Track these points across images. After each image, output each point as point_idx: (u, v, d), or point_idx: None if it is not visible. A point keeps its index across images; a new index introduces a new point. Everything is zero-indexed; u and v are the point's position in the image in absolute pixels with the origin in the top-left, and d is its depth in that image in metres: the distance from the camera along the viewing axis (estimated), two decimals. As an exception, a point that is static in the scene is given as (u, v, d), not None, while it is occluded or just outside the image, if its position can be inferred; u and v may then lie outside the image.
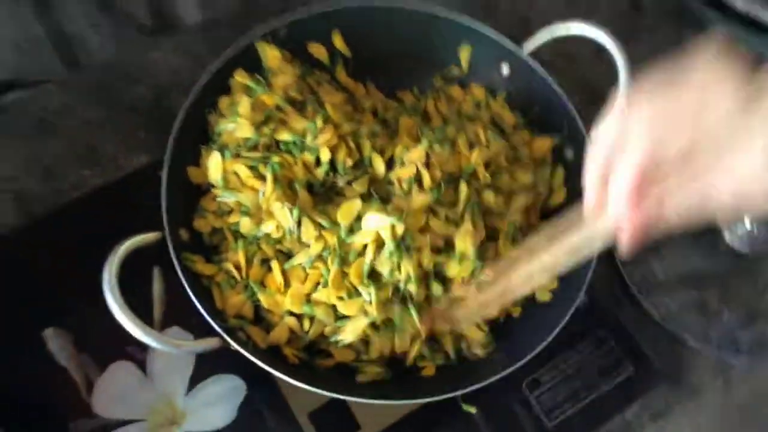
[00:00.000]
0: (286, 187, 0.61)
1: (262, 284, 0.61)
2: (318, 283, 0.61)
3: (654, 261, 0.78)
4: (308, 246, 0.61)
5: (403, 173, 0.63)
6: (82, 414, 0.64)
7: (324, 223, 0.60)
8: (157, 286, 0.68)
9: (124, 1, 1.02)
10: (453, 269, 0.61)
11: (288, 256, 0.62)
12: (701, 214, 0.44)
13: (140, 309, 0.64)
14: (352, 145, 0.64)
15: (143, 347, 0.66)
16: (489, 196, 0.64)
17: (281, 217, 0.60)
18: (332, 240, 0.60)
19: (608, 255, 0.77)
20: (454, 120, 0.68)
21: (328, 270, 0.60)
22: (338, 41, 0.71)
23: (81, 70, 0.85)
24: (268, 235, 0.61)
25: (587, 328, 0.71)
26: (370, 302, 0.59)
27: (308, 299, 0.61)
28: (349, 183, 0.64)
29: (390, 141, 0.66)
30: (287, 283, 0.61)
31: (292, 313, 0.61)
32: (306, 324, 0.62)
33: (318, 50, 0.71)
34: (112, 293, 0.53)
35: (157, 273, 0.68)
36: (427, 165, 0.63)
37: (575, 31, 0.66)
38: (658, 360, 0.72)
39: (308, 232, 0.60)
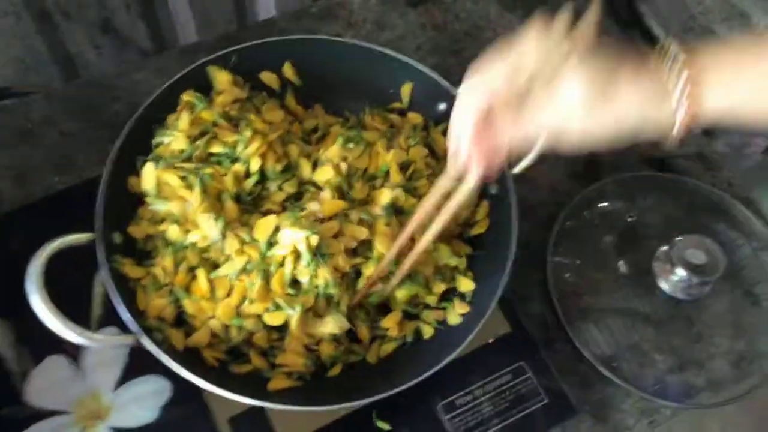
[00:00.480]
0: (215, 199, 0.65)
1: (187, 290, 0.65)
2: (245, 297, 0.64)
3: (590, 299, 0.80)
4: (233, 259, 0.64)
5: (319, 175, 0.66)
6: (14, 401, 0.68)
7: (246, 237, 0.64)
8: (98, 287, 0.72)
9: (125, 25, 1.08)
10: (370, 269, 0.65)
11: (214, 265, 0.65)
12: (531, 144, 0.55)
13: (80, 308, 0.69)
14: (279, 150, 0.68)
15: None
16: (400, 196, 0.67)
17: (207, 228, 0.64)
18: (254, 255, 0.63)
19: (543, 290, 0.80)
20: (385, 132, 0.73)
21: (253, 283, 0.63)
22: (288, 70, 0.75)
23: (68, 86, 0.90)
24: (194, 244, 0.65)
25: (510, 359, 0.73)
26: (294, 314, 0.63)
27: (237, 312, 0.65)
28: (280, 188, 0.68)
29: (318, 147, 0.70)
30: (212, 291, 0.65)
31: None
32: (233, 331, 0.65)
33: (269, 78, 0.75)
34: (34, 285, 0.57)
35: (100, 274, 0.72)
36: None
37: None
38: (579, 396, 0.74)
39: (232, 245, 0.64)
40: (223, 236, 0.64)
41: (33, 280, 0.57)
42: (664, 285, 0.79)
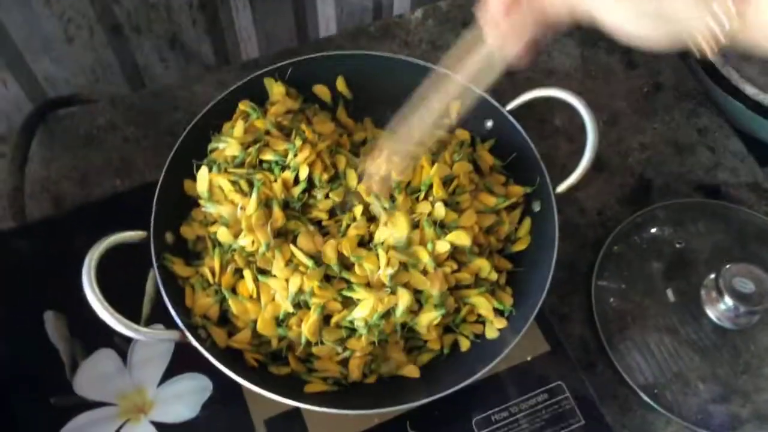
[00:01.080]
0: (264, 205, 0.67)
1: (233, 291, 0.67)
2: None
3: (634, 325, 0.79)
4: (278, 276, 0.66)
5: (363, 187, 0.69)
6: (63, 391, 0.71)
7: (305, 260, 0.65)
8: (149, 286, 0.75)
9: (192, 40, 1.13)
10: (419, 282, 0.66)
11: (260, 269, 0.67)
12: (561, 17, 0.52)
13: (132, 304, 0.72)
14: (328, 160, 0.70)
15: (128, 339, 0.73)
16: (440, 210, 0.68)
17: (261, 236, 0.65)
18: (310, 283, 0.65)
19: (586, 312, 0.79)
20: (430, 147, 0.73)
21: (309, 318, 0.65)
22: (341, 84, 0.78)
23: (131, 94, 0.95)
24: (242, 248, 0.67)
25: (548, 378, 0.73)
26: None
27: (279, 322, 0.66)
28: (326, 196, 0.70)
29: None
30: (258, 293, 0.66)
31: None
32: (274, 341, 0.67)
33: (321, 91, 0.78)
34: (88, 278, 0.60)
35: (152, 274, 0.75)
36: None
37: (552, 94, 0.70)
38: (617, 420, 0.73)
39: (279, 265, 0.65)
40: (272, 250, 0.65)
41: (87, 272, 0.60)
42: (711, 313, 0.78)
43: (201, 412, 0.70)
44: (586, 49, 0.98)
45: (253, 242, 0.66)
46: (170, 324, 0.68)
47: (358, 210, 0.69)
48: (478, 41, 0.60)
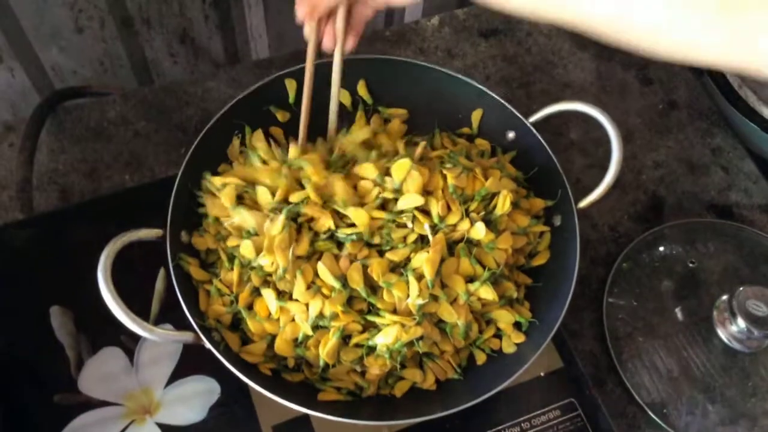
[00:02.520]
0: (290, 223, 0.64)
1: (250, 307, 0.65)
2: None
3: (644, 343, 0.79)
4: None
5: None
6: (68, 389, 0.70)
7: (332, 282, 0.63)
8: (159, 285, 0.73)
9: (202, 36, 1.12)
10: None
11: (279, 292, 0.65)
12: None
13: (141, 303, 0.71)
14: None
15: (135, 338, 0.72)
16: (480, 230, 0.66)
17: (281, 259, 0.63)
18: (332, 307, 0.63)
19: (597, 328, 0.79)
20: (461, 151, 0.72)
21: (328, 340, 0.63)
22: (362, 89, 0.77)
23: (143, 88, 0.93)
24: (261, 267, 0.64)
25: (561, 394, 0.72)
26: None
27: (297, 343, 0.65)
28: None
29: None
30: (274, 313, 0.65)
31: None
32: (290, 360, 0.66)
33: (342, 95, 0.76)
34: (104, 275, 0.59)
35: (162, 273, 0.74)
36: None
37: (576, 108, 0.69)
38: (626, 439, 0.73)
39: (300, 289, 0.63)
40: (291, 272, 0.63)
41: (103, 270, 0.58)
42: (722, 334, 0.78)
43: (208, 415, 0.69)
44: (601, 63, 0.98)
45: (272, 263, 0.64)
46: (179, 324, 0.67)
47: (411, 236, 0.65)
48: None
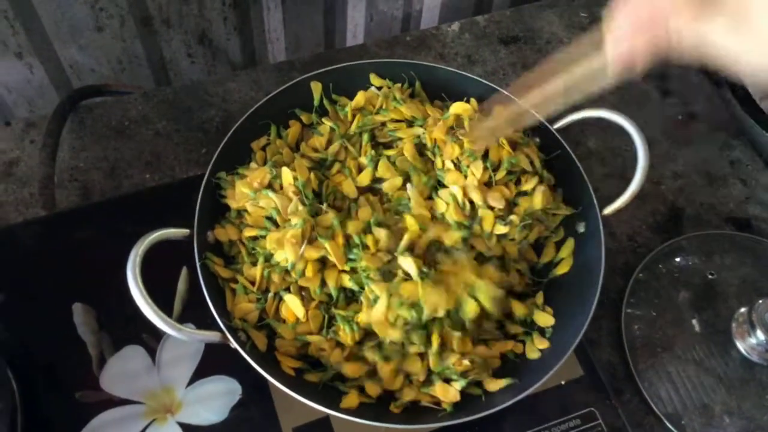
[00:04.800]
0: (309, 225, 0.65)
1: (276, 315, 0.66)
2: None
3: (663, 354, 0.79)
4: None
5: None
6: (89, 386, 0.69)
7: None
8: (181, 285, 0.73)
9: (220, 37, 1.12)
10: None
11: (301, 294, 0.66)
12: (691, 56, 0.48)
13: (162, 302, 0.70)
14: None
15: (157, 337, 0.72)
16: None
17: (289, 253, 0.64)
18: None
19: (614, 338, 0.79)
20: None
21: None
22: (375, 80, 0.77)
23: (164, 88, 0.93)
24: (278, 263, 0.65)
25: (581, 403, 0.72)
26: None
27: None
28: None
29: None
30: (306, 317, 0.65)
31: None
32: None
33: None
34: (133, 273, 0.59)
35: (185, 273, 0.74)
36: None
37: (602, 116, 0.70)
38: (645, 449, 0.73)
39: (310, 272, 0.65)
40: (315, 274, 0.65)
41: (132, 268, 0.58)
42: (740, 347, 0.78)
43: (229, 415, 0.69)
44: (621, 73, 0.98)
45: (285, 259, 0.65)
46: (200, 323, 0.67)
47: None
48: (595, 47, 0.55)
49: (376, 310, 0.62)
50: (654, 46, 0.49)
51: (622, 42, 0.51)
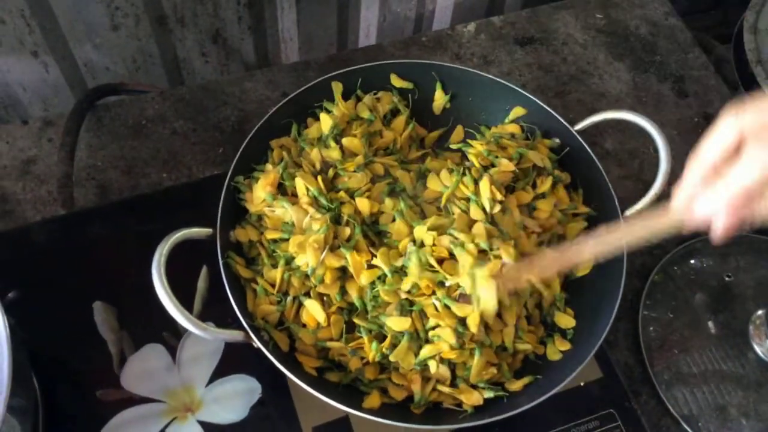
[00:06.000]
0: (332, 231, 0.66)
1: (297, 315, 0.66)
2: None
3: (679, 356, 0.79)
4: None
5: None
6: (110, 385, 0.70)
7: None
8: (201, 283, 0.73)
9: (234, 37, 1.12)
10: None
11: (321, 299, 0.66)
12: None
13: (182, 301, 0.71)
14: None
15: (178, 335, 0.72)
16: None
17: (311, 258, 0.64)
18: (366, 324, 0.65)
19: (631, 340, 0.79)
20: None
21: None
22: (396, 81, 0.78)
23: (181, 87, 0.93)
24: (299, 267, 0.65)
25: (600, 405, 0.72)
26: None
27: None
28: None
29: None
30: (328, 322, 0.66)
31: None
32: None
33: (386, 98, 0.77)
34: (158, 272, 0.59)
35: (205, 271, 0.74)
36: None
37: (624, 117, 0.70)
38: (664, 451, 0.73)
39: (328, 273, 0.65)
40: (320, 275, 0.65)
41: (157, 267, 0.59)
42: (757, 349, 0.78)
43: (249, 414, 0.69)
44: (637, 74, 0.98)
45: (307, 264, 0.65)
46: (220, 322, 0.67)
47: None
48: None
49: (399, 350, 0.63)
50: (723, 205, 0.49)
51: (689, 197, 0.51)
